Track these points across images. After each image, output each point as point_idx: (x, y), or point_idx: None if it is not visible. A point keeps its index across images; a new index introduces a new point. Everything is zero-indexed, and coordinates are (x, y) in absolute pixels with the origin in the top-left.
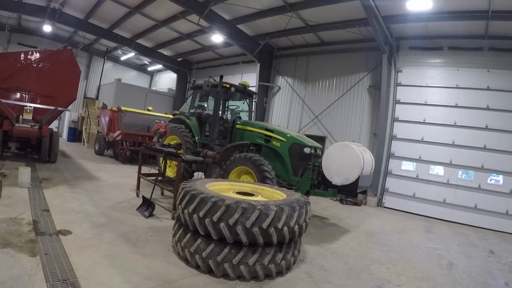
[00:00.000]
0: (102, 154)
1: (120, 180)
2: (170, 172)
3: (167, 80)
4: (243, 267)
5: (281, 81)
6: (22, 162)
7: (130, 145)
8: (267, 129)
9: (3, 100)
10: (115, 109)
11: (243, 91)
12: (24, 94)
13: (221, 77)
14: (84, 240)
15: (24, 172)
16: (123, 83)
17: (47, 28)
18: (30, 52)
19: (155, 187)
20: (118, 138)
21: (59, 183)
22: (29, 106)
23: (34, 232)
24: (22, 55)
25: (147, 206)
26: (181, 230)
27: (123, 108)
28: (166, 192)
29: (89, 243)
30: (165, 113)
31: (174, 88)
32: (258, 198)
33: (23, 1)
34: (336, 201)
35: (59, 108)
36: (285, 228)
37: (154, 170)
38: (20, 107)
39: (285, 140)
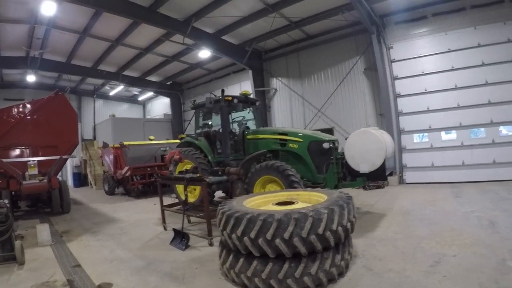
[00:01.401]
0: (113, 193)
1: (141, 216)
2: (190, 198)
3: (160, 106)
4: (307, 278)
5: (276, 83)
6: (36, 219)
7: (140, 178)
8: (280, 133)
9: (4, 160)
10: (117, 145)
11: (245, 101)
12: (24, 149)
13: (223, 91)
14: None
15: (43, 230)
16: (118, 118)
17: (30, 78)
18: (21, 105)
19: (183, 216)
20: (127, 174)
21: (80, 234)
22: (33, 161)
23: None
24: (14, 110)
25: (181, 237)
26: (231, 256)
27: (125, 143)
28: (192, 219)
29: None
30: (167, 139)
31: (169, 113)
32: (300, 204)
33: (2, 55)
34: (358, 189)
35: (64, 157)
36: (339, 228)
37: (169, 199)
38: (23, 163)
39: (302, 140)
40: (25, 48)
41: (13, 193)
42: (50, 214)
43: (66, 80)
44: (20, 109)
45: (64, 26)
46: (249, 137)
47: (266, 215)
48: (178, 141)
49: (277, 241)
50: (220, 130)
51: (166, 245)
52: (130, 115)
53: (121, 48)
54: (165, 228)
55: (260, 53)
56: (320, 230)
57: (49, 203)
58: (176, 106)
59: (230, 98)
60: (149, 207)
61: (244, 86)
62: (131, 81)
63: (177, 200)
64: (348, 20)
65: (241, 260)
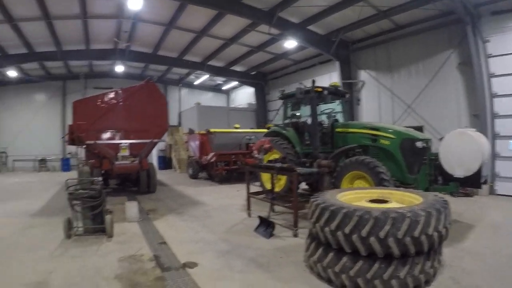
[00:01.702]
0: (197, 177)
1: (224, 201)
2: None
3: (244, 95)
4: (395, 281)
5: (363, 75)
6: (123, 196)
7: (224, 165)
8: (371, 128)
9: (98, 142)
10: (203, 132)
11: (335, 93)
12: (117, 133)
13: (313, 81)
14: (214, 272)
15: (132, 207)
16: (203, 106)
17: (119, 68)
18: (115, 92)
19: (270, 205)
20: (212, 160)
21: (166, 213)
22: (124, 143)
23: (159, 268)
24: (108, 96)
25: (266, 226)
26: (320, 250)
27: (211, 130)
28: (276, 208)
29: (221, 274)
30: (251, 128)
31: (253, 102)
32: (394, 204)
33: (92, 48)
34: (445, 194)
35: (154, 141)
36: (435, 233)
37: (252, 187)
38: (115, 146)
39: (394, 137)
40: (117, 40)
41: (102, 171)
42: (136, 193)
43: (152, 70)
44: (114, 96)
45: (150, 19)
46: (338, 130)
47: (363, 211)
48: (262, 130)
49: (372, 239)
50: (309, 121)
51: (251, 231)
52: (214, 103)
53: (206, 39)
54: (249, 215)
55: (347, 43)
56: (416, 233)
57: (136, 183)
58: (260, 96)
59: (320, 89)
60: (232, 193)
61: (330, 77)
62: (215, 71)
63: (261, 189)
64: (440, 10)
65: (331, 254)
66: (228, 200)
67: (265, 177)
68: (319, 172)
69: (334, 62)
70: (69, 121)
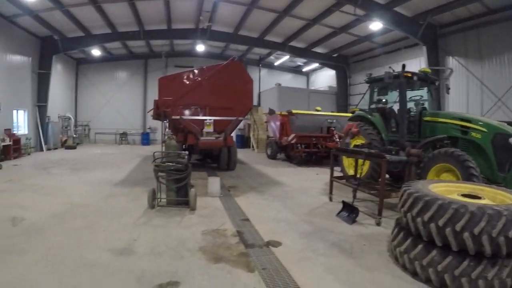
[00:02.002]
0: (275, 158)
1: (304, 184)
2: (352, 171)
3: (324, 78)
4: (482, 281)
5: (451, 62)
6: (203, 172)
7: (304, 147)
8: (463, 119)
9: (184, 117)
10: (284, 113)
11: (424, 79)
12: (201, 109)
13: (404, 66)
14: (297, 252)
15: (214, 182)
16: (283, 87)
17: (200, 47)
18: (200, 69)
19: (355, 191)
20: (292, 142)
21: (246, 191)
22: (209, 120)
23: (243, 244)
24: (194, 73)
25: (349, 211)
26: (409, 241)
27: (294, 111)
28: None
29: (304, 256)
30: (331, 111)
31: (334, 85)
32: (487, 201)
33: (173, 27)
34: None
35: (239, 118)
36: None
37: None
38: (199, 121)
39: (486, 130)
40: (202, 18)
41: (184, 146)
42: (216, 169)
43: (232, 50)
44: (199, 73)
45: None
46: (426, 118)
47: (459, 204)
48: (345, 114)
49: (466, 234)
50: (396, 108)
51: (332, 216)
52: (293, 85)
53: (288, 19)
54: (330, 199)
55: (435, 27)
56: (511, 234)
57: (217, 159)
58: (342, 79)
59: (409, 75)
60: (312, 176)
61: (417, 63)
62: (296, 52)
63: (341, 174)
64: None
65: (420, 246)
66: (307, 183)
67: (347, 162)
68: (408, 161)
69: (420, 47)
70: (151, 97)
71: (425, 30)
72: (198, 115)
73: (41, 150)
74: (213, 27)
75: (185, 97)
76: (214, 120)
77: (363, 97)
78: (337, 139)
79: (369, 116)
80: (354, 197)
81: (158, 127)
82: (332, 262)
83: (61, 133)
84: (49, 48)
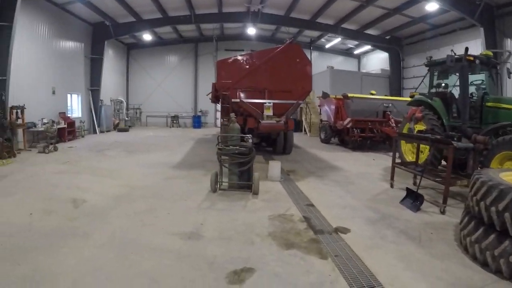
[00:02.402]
0: (328, 142)
1: (362, 169)
2: (410, 157)
3: (376, 61)
4: None
5: (510, 44)
6: (258, 156)
7: (360, 131)
8: None
9: (244, 100)
10: (339, 96)
11: (487, 63)
12: (260, 92)
13: (467, 49)
14: (366, 239)
15: (275, 166)
16: (336, 70)
17: (251, 30)
18: (258, 52)
19: (420, 178)
20: (348, 126)
21: (306, 175)
22: (269, 103)
23: (311, 230)
24: (251, 56)
25: (414, 199)
26: (480, 230)
27: (350, 95)
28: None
29: (374, 243)
30: (385, 95)
31: (386, 68)
32: None
33: (224, 11)
34: None
35: (299, 102)
36: None
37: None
38: (259, 105)
39: None
40: (248, 5)
41: (251, 131)
42: (272, 153)
43: (283, 33)
44: (257, 56)
45: None
46: (489, 104)
47: None
48: (401, 98)
49: None
50: (456, 92)
51: (396, 202)
52: (344, 67)
53: (341, 0)
54: (391, 185)
55: (492, 8)
56: None
57: (273, 143)
58: (395, 61)
59: (472, 58)
60: (368, 161)
61: (472, 45)
62: (349, 34)
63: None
64: None
65: (492, 236)
66: (365, 168)
67: (405, 147)
68: (473, 148)
69: (476, 29)
70: (202, 81)
71: (482, 11)
72: (256, 98)
73: (95, 132)
74: (264, 9)
75: (243, 80)
76: (273, 103)
77: (422, 81)
78: (393, 124)
79: (430, 101)
80: (418, 184)
81: (210, 110)
82: (402, 250)
83: (113, 116)
84: (100, 33)
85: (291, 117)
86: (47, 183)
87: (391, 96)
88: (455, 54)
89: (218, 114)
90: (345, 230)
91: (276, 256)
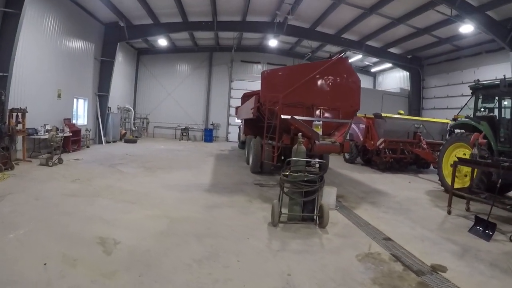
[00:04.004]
0: (354, 162)
1: (406, 193)
2: (457, 184)
3: (393, 79)
4: None
5: None
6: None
7: (391, 152)
8: None
9: (297, 117)
10: (370, 116)
11: None
12: (307, 109)
13: None
14: (468, 277)
15: (331, 193)
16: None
17: (272, 42)
18: (306, 65)
19: (491, 206)
20: (381, 146)
21: (357, 201)
22: (318, 121)
23: (411, 271)
24: (299, 69)
25: (484, 227)
26: None
27: (383, 114)
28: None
29: (478, 280)
30: (398, 113)
31: (404, 87)
32: None
33: (248, 20)
34: None
35: (350, 121)
36: None
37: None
38: (308, 122)
39: None
40: (279, 12)
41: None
42: None
43: (303, 47)
44: (306, 69)
45: None
46: None
47: None
48: (431, 119)
49: None
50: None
51: (464, 231)
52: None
53: (373, 16)
54: (449, 212)
55: None
56: None
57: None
58: (415, 81)
59: None
60: (405, 184)
61: (498, 68)
62: (372, 51)
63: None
64: None
65: None
66: (409, 192)
67: (446, 171)
68: None
69: (503, 52)
70: (215, 92)
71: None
72: (303, 115)
73: (100, 142)
74: (290, 21)
75: (292, 95)
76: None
77: (466, 104)
78: (425, 145)
79: (477, 125)
80: (489, 213)
81: (222, 124)
82: (506, 285)
83: (119, 125)
84: (113, 35)
85: None
86: (59, 211)
87: (410, 115)
88: (504, 78)
89: (231, 128)
90: (442, 268)
91: None
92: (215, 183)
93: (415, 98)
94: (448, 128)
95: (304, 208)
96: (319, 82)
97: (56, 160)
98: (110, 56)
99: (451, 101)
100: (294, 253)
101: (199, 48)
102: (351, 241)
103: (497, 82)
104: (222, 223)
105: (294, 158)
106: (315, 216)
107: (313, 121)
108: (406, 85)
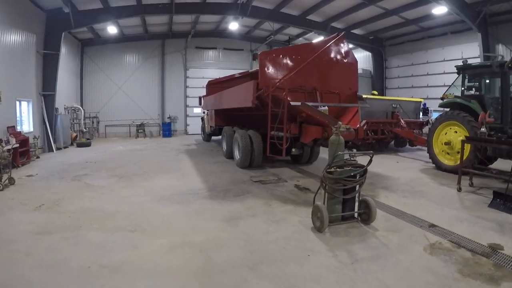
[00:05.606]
0: None
1: (406, 174)
2: (446, 159)
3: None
4: None
5: (502, 50)
6: (284, 167)
7: (372, 134)
8: None
9: (308, 103)
10: None
11: None
12: (310, 94)
13: None
14: None
15: None
16: None
17: (233, 25)
18: (305, 45)
19: (509, 181)
20: (364, 128)
21: (371, 188)
22: (323, 106)
23: (481, 256)
24: (300, 49)
25: (503, 200)
26: None
27: (364, 96)
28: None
29: None
30: (372, 94)
31: (367, 68)
32: None
33: (208, 1)
34: None
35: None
36: None
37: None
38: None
39: None
40: None
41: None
42: (294, 162)
43: (261, 30)
44: (305, 49)
45: None
46: None
47: None
48: (407, 99)
49: None
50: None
51: (484, 207)
52: None
53: None
54: (458, 189)
55: (485, 16)
56: None
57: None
58: (378, 61)
59: None
60: (394, 164)
61: (463, 48)
62: (335, 32)
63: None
64: None
65: None
66: (405, 173)
67: (437, 149)
68: None
69: (470, 33)
70: (169, 82)
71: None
72: (310, 101)
73: (50, 150)
74: (254, 2)
75: (292, 78)
76: (328, 107)
77: (452, 83)
78: (404, 125)
79: (469, 103)
80: (507, 187)
81: (179, 116)
82: None
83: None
84: (57, 23)
85: None
86: (34, 265)
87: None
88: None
89: (189, 120)
90: (499, 247)
91: None
92: (211, 186)
93: (378, 78)
94: (422, 106)
95: (345, 206)
96: (319, 64)
97: (7, 181)
98: (54, 49)
99: (415, 80)
100: (369, 261)
101: (149, 35)
102: (405, 234)
103: (489, 63)
104: (261, 239)
105: (340, 153)
106: (355, 214)
107: (317, 106)
108: (368, 66)
